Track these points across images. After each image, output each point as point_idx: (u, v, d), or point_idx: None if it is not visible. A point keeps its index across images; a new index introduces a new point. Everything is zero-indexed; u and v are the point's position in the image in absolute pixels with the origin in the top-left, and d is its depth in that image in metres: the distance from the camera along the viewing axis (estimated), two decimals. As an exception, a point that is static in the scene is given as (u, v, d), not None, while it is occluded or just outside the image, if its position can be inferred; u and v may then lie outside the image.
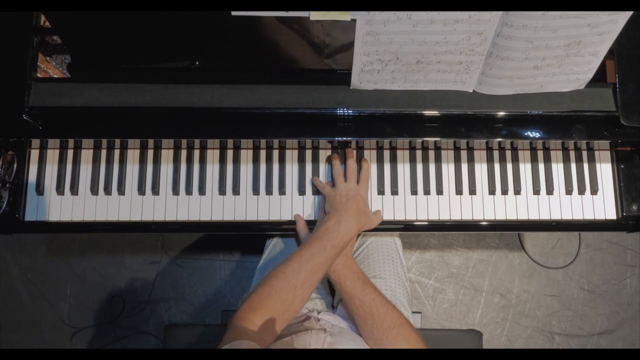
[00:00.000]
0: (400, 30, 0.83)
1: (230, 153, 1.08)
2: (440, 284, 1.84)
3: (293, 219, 1.06)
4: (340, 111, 0.96)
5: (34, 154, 1.07)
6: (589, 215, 1.08)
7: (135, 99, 0.95)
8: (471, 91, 0.96)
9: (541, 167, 1.09)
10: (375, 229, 1.06)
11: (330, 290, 1.18)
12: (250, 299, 0.87)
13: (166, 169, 1.08)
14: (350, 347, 0.89)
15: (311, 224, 1.05)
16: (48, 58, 1.01)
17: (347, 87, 0.96)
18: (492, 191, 1.08)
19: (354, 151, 1.08)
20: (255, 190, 1.07)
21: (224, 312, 1.34)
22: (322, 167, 1.09)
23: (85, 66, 0.96)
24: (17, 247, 1.86)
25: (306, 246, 0.92)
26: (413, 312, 1.21)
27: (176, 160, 1.08)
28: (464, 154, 1.09)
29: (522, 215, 1.08)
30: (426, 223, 1.08)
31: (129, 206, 1.06)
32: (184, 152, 1.08)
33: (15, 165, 1.05)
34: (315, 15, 0.81)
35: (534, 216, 1.08)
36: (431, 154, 1.09)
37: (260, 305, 0.85)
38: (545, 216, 1.08)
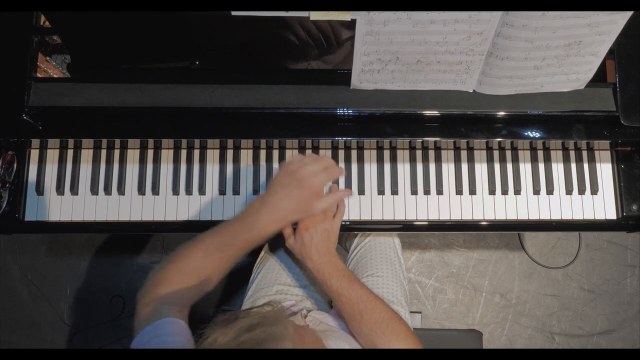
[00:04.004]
0: (400, 30, 0.83)
1: (230, 153, 1.08)
2: (440, 284, 1.84)
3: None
4: (340, 111, 0.96)
5: (34, 154, 1.07)
6: (589, 215, 1.08)
7: (135, 99, 0.95)
8: (471, 91, 0.96)
9: (541, 167, 1.09)
10: (375, 229, 1.06)
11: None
12: (154, 278, 0.91)
13: (166, 169, 1.08)
14: (337, 346, 0.88)
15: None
16: (48, 58, 1.01)
17: (347, 87, 0.96)
18: (492, 191, 1.08)
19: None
20: (256, 190, 1.07)
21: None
22: (322, 167, 1.09)
23: (85, 66, 0.96)
24: (17, 247, 1.86)
25: (220, 230, 0.90)
26: (413, 312, 1.21)
27: (176, 160, 1.08)
28: (464, 154, 1.09)
29: (522, 215, 1.08)
30: (426, 223, 1.07)
31: (129, 206, 1.06)
32: (184, 152, 1.08)
33: (15, 165, 1.05)
34: (315, 15, 0.81)
35: (534, 216, 1.08)
36: (431, 154, 1.09)
37: (163, 280, 0.90)
38: (545, 216, 1.08)
